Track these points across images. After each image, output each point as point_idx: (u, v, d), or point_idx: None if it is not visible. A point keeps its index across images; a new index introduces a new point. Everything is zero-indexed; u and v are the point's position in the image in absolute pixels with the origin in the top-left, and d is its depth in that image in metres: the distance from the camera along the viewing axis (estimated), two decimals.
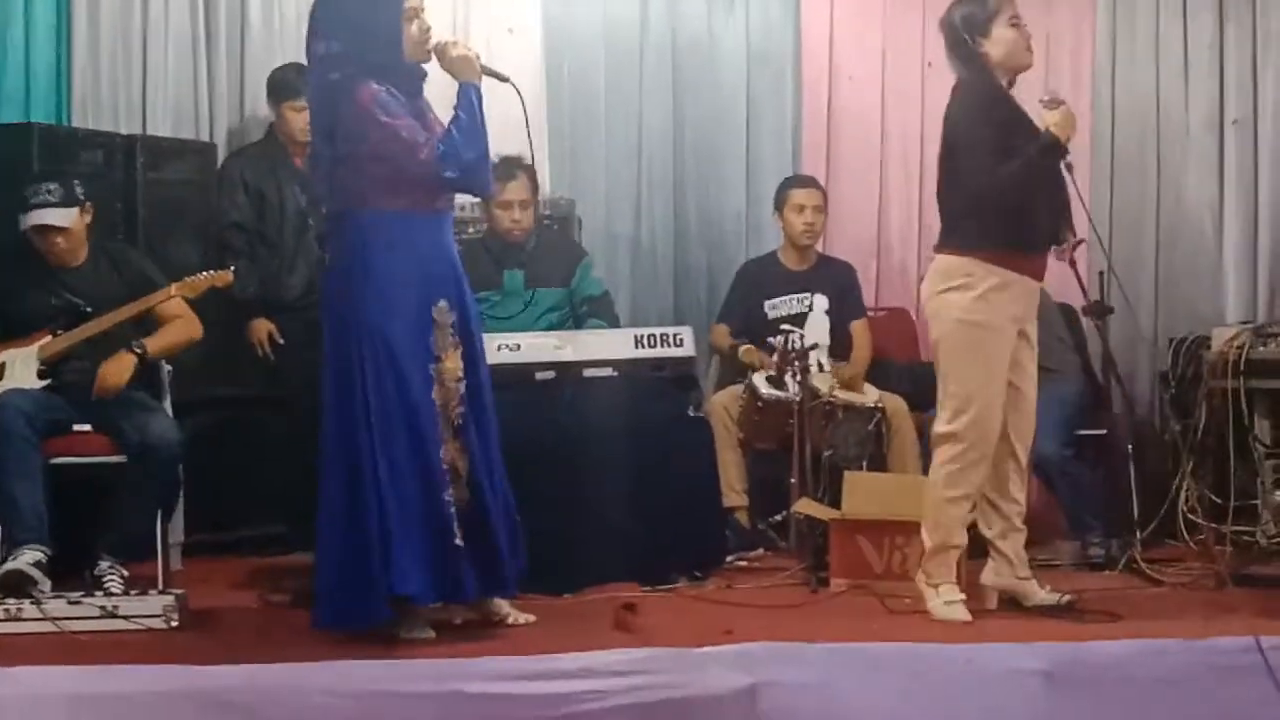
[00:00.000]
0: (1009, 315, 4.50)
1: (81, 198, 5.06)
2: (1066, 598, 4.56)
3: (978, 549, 4.67)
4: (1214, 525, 5.56)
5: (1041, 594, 4.58)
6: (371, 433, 4.19)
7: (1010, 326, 4.50)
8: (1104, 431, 5.69)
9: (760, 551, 5.60)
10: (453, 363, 4.28)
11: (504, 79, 4.41)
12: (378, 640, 4.18)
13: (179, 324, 5.09)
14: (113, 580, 4.73)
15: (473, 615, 4.42)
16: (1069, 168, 4.54)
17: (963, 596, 4.52)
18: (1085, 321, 5.74)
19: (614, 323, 5.95)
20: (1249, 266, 6.86)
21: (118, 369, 4.91)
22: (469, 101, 4.24)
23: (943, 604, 4.48)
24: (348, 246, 4.35)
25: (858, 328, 6.17)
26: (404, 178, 4.26)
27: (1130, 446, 5.55)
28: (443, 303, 4.29)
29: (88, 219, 5.09)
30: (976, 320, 4.46)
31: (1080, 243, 5.51)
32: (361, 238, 4.31)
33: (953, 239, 4.56)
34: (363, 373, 4.21)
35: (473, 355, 4.35)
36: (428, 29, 4.30)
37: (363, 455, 4.19)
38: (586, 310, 5.89)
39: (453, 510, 4.24)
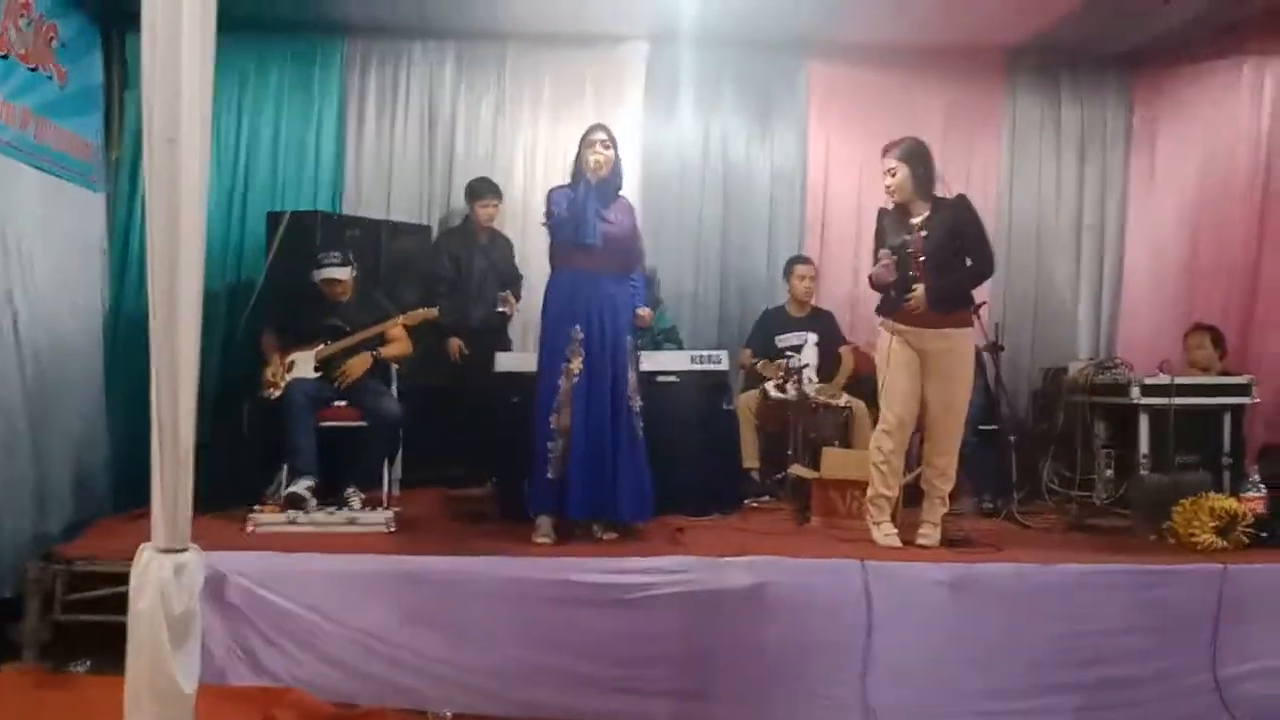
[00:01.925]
0: (904, 349, 4.44)
1: (352, 260, 5.19)
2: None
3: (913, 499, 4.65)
4: (1066, 491, 5.50)
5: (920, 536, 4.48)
6: (536, 402, 4.35)
7: (904, 356, 4.43)
8: (996, 427, 5.60)
9: (767, 498, 5.55)
10: (575, 364, 4.31)
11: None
12: (521, 542, 4.23)
13: (398, 344, 5.19)
14: (355, 499, 4.82)
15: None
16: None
17: (895, 530, 4.47)
18: (985, 356, 5.65)
19: (679, 346, 5.97)
20: (1094, 323, 6.75)
21: (359, 364, 5.02)
22: (577, 189, 4.36)
23: (881, 535, 4.46)
24: (545, 292, 4.49)
25: (844, 352, 6.07)
26: (554, 244, 4.42)
27: (1012, 439, 5.47)
28: (577, 327, 4.32)
29: (355, 273, 5.21)
30: (884, 354, 4.49)
31: (983, 304, 5.48)
32: (548, 287, 4.48)
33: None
34: (539, 364, 4.39)
35: (599, 362, 4.33)
36: (596, 152, 4.36)
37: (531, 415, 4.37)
38: (663, 338, 5.93)
39: (550, 456, 4.29)
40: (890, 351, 4.46)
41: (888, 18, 6.00)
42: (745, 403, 5.78)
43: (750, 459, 5.67)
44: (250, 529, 4.32)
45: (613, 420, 4.34)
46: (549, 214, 4.39)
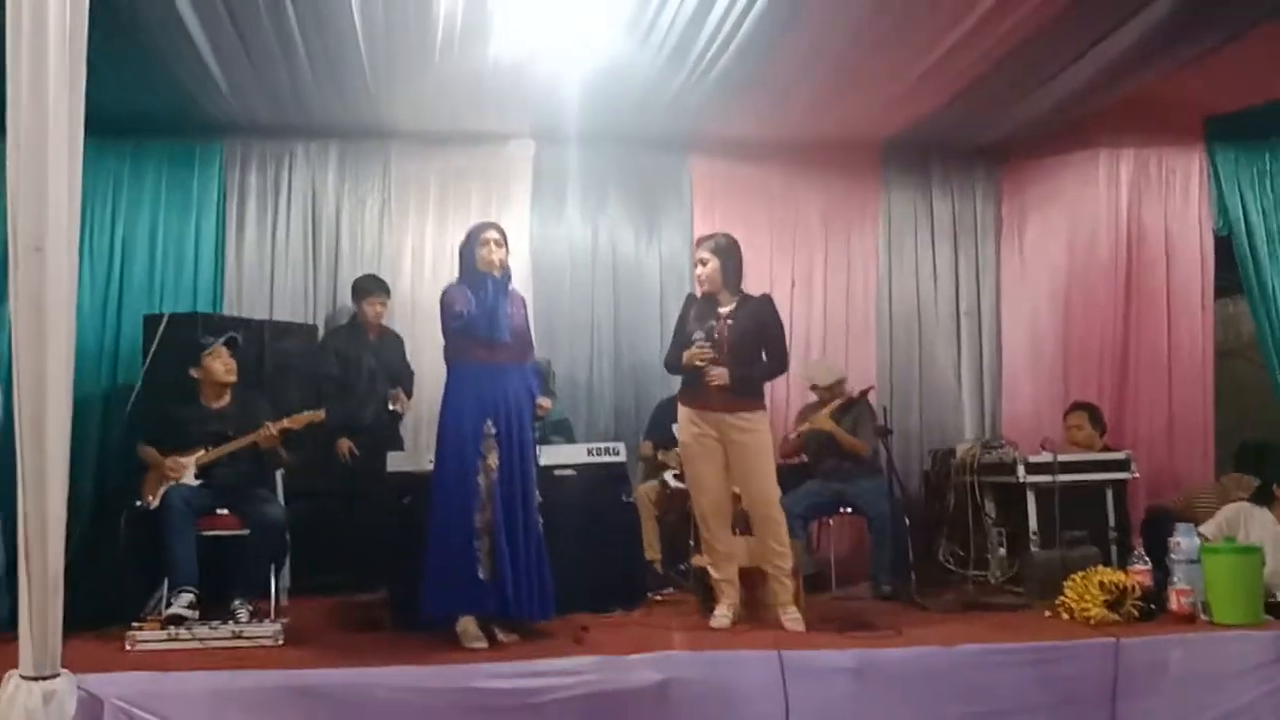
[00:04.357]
0: (702, 440, 4.56)
1: (234, 347, 5.08)
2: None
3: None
4: (962, 570, 5.56)
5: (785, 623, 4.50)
6: (441, 500, 4.23)
7: (702, 447, 4.56)
8: (889, 510, 5.63)
9: (670, 590, 5.50)
10: (492, 459, 4.24)
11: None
12: (414, 650, 4.06)
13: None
14: (243, 611, 4.61)
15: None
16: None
17: (726, 613, 4.56)
18: (877, 440, 5.72)
19: (572, 439, 5.92)
20: (978, 404, 6.93)
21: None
22: (481, 287, 4.33)
23: (713, 618, 4.55)
24: (446, 388, 4.39)
25: None
26: (457, 342, 4.36)
27: (907, 520, 5.53)
28: (489, 422, 4.26)
29: (234, 366, 5.06)
30: (683, 445, 4.67)
31: (870, 389, 5.58)
32: (448, 382, 4.39)
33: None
34: (443, 461, 4.26)
35: (510, 456, 4.27)
36: (491, 251, 4.36)
37: (433, 514, 4.23)
38: (552, 430, 5.87)
39: (479, 555, 4.18)
40: (688, 442, 4.60)
41: (766, 114, 6.20)
42: (645, 493, 5.75)
43: (652, 550, 5.63)
44: (129, 647, 4.09)
45: (523, 515, 4.28)
46: (457, 315, 4.33)
